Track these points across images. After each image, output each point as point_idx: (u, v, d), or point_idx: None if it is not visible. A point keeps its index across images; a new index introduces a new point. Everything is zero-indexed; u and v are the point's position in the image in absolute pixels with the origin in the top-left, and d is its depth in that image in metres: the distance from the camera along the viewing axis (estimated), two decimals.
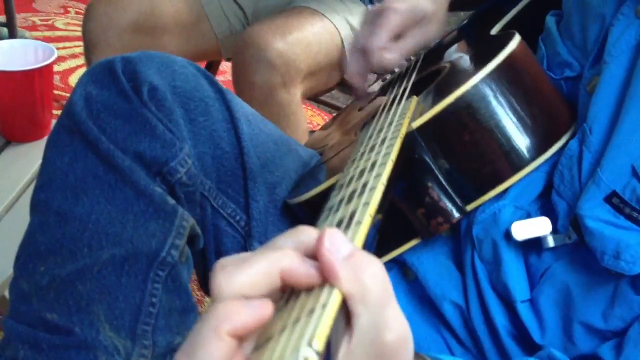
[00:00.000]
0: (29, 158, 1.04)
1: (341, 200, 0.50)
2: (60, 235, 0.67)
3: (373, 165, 0.56)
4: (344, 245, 0.37)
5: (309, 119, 2.14)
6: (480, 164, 0.67)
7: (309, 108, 2.21)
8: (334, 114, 1.27)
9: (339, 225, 0.45)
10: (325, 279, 0.36)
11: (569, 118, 0.69)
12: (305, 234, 0.38)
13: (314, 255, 0.37)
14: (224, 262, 0.37)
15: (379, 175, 0.52)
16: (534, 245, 0.66)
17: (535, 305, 0.66)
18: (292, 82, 1.30)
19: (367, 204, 0.47)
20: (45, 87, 1.04)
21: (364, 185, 0.50)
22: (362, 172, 0.55)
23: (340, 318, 0.37)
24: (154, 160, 0.69)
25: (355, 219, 0.45)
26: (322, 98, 1.81)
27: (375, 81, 0.91)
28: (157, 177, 0.70)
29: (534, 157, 0.67)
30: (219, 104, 0.77)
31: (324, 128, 1.08)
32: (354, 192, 0.50)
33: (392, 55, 0.80)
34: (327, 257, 0.36)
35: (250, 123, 0.79)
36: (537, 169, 0.67)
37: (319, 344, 0.33)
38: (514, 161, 0.67)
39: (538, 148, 0.67)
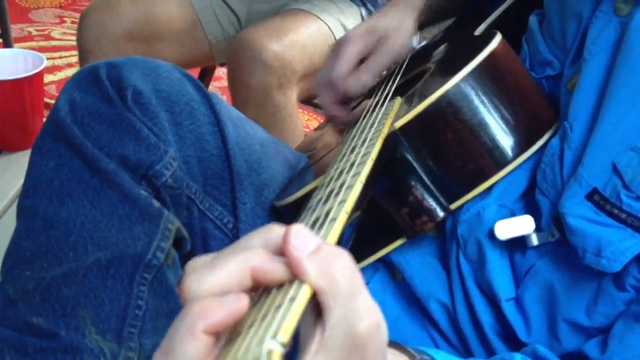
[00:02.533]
0: (19, 166, 1.05)
1: (319, 200, 0.50)
2: (45, 240, 0.67)
3: (352, 165, 0.56)
4: (310, 241, 0.37)
5: (306, 123, 2.14)
6: (464, 162, 0.67)
7: (306, 112, 2.22)
8: None
9: (314, 223, 0.45)
10: (294, 275, 0.36)
11: (551, 116, 0.70)
12: (274, 232, 0.38)
13: (283, 252, 0.37)
14: (194, 263, 0.38)
15: (357, 174, 0.52)
16: (519, 243, 0.66)
17: (520, 304, 0.65)
18: (288, 84, 1.31)
19: (343, 201, 0.47)
20: (36, 95, 1.04)
21: (342, 185, 0.51)
22: (341, 173, 0.55)
23: (311, 312, 0.37)
24: (138, 164, 0.69)
25: (330, 216, 0.45)
26: (317, 100, 1.82)
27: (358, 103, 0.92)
28: (143, 181, 0.70)
29: (516, 155, 0.67)
30: (205, 107, 0.77)
31: (317, 129, 1.08)
32: (331, 192, 0.50)
33: (359, 78, 0.81)
34: (293, 253, 0.36)
35: (236, 126, 0.80)
36: (520, 166, 0.67)
37: (285, 335, 0.33)
38: (497, 159, 0.67)
39: (520, 146, 0.67)
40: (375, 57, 0.83)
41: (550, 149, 0.66)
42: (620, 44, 0.61)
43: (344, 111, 0.85)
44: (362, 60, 0.84)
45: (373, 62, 0.83)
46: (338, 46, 0.84)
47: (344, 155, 0.61)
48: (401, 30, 0.84)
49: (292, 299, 0.35)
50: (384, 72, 0.91)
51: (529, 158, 0.67)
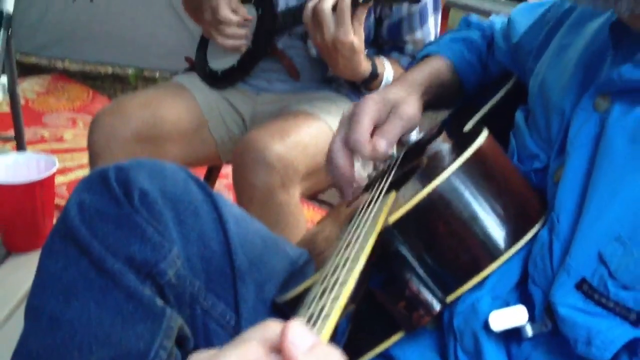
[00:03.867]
0: (29, 267, 1.06)
1: (314, 297, 0.52)
2: (51, 340, 0.69)
3: (346, 260, 0.58)
4: (305, 339, 0.38)
5: (310, 218, 2.17)
6: (457, 255, 0.69)
7: (311, 208, 2.25)
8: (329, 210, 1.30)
9: (309, 320, 0.47)
10: None
11: (540, 207, 0.72)
12: (271, 329, 0.40)
13: (279, 349, 0.39)
14: (195, 359, 0.39)
15: (350, 270, 0.54)
16: (514, 334, 0.66)
17: None
18: (291, 183, 1.34)
19: (336, 298, 0.49)
20: (47, 197, 1.08)
21: (335, 281, 0.53)
22: (335, 269, 0.57)
23: None
24: (143, 263, 0.72)
25: (324, 313, 0.46)
26: (322, 197, 1.86)
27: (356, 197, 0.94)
28: (147, 279, 0.72)
29: (508, 246, 0.69)
30: (208, 205, 0.80)
31: (319, 223, 1.11)
32: (326, 288, 0.52)
33: (378, 143, 0.83)
34: (289, 351, 0.38)
35: (238, 223, 0.82)
36: (513, 257, 0.69)
37: None
38: (490, 250, 0.69)
39: (512, 237, 0.69)
40: (390, 124, 0.85)
41: (540, 240, 0.68)
42: (600, 139, 0.64)
43: (354, 178, 0.86)
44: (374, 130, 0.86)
45: (389, 130, 0.85)
46: (353, 113, 0.86)
47: (339, 251, 0.63)
48: (410, 102, 0.88)
49: None
50: (385, 162, 0.94)
51: (521, 249, 0.69)
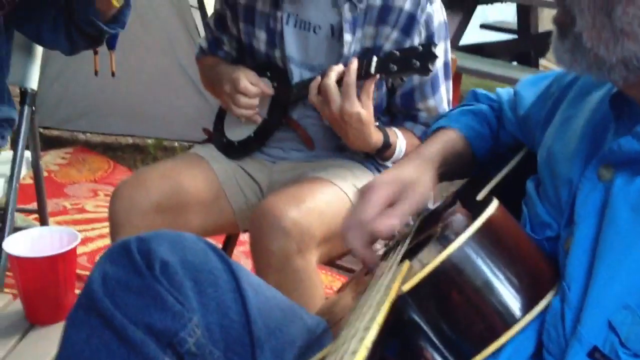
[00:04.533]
0: (51, 340, 1.08)
1: None
2: None
3: (357, 330, 0.59)
4: None
5: (329, 284, 2.17)
6: (471, 323, 0.70)
7: (329, 273, 2.25)
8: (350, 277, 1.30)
9: None
10: None
11: (553, 275, 0.73)
12: None
13: None
14: None
15: (362, 340, 0.55)
16: None
17: None
18: (307, 249, 1.35)
19: None
20: (69, 270, 1.10)
21: (346, 351, 0.54)
22: (349, 338, 0.58)
23: None
24: (164, 332, 0.74)
25: None
26: (340, 262, 1.86)
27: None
28: (168, 348, 0.74)
29: (522, 314, 0.70)
30: (227, 275, 0.82)
31: (339, 291, 1.12)
32: (340, 358, 0.53)
33: (388, 221, 0.86)
34: None
35: (256, 292, 0.84)
36: (527, 327, 0.69)
37: None
38: (504, 319, 0.70)
39: (525, 305, 0.70)
40: (402, 204, 0.88)
41: (552, 309, 0.68)
42: (605, 208, 0.66)
43: (371, 252, 0.88)
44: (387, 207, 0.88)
45: (399, 209, 0.87)
46: (366, 191, 0.88)
47: (352, 320, 0.65)
48: (423, 181, 0.91)
49: None
50: (404, 227, 0.96)
51: (535, 318, 0.70)
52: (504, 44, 4.41)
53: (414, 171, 0.90)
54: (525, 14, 4.20)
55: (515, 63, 4.17)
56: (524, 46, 4.31)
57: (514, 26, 4.50)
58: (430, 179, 0.91)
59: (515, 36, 4.45)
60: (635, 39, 0.64)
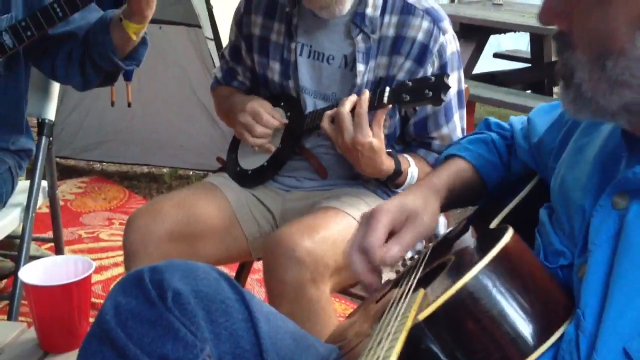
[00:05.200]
0: None
1: None
2: None
3: (380, 358, 0.59)
4: None
5: (342, 312, 2.16)
6: (488, 352, 0.69)
7: (342, 302, 2.24)
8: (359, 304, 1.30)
9: None
10: None
11: (568, 304, 0.72)
12: None
13: None
14: None
15: None
16: None
17: None
18: (321, 278, 1.35)
19: None
20: (83, 299, 1.11)
21: None
22: None
23: None
24: None
25: None
26: (354, 291, 1.85)
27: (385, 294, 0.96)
28: None
29: (538, 344, 0.69)
30: (239, 304, 0.82)
31: (349, 317, 1.11)
32: None
33: (391, 249, 0.86)
34: None
35: (269, 320, 0.84)
36: (543, 356, 0.68)
37: None
38: (520, 349, 0.69)
39: (541, 334, 0.69)
40: (406, 232, 0.88)
41: (567, 337, 0.68)
42: (620, 236, 0.65)
43: (375, 278, 0.88)
44: (391, 234, 0.88)
45: (403, 237, 0.88)
46: (369, 218, 0.89)
47: (370, 349, 0.64)
48: (428, 210, 0.91)
49: None
50: (408, 259, 0.95)
51: (550, 347, 0.69)
52: (518, 73, 4.42)
53: (418, 200, 0.91)
54: (538, 43, 4.21)
55: (529, 92, 4.18)
56: (538, 75, 4.32)
57: (527, 55, 4.52)
58: (436, 208, 0.92)
59: (528, 65, 4.46)
60: (630, 88, 0.65)
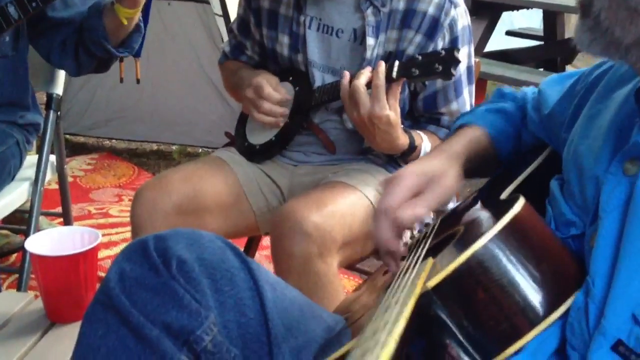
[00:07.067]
0: (72, 338, 1.08)
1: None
2: None
3: (386, 323, 0.58)
4: None
5: (349, 288, 2.16)
6: (497, 321, 0.68)
7: (350, 278, 2.24)
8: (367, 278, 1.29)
9: None
10: None
11: (579, 274, 0.71)
12: None
13: None
14: None
15: (390, 333, 0.54)
16: None
17: None
18: (328, 252, 1.35)
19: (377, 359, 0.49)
20: (90, 269, 1.11)
21: (376, 344, 0.53)
22: (375, 332, 0.57)
23: None
24: (181, 330, 0.73)
25: None
26: (361, 266, 1.85)
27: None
28: (184, 346, 0.73)
29: (548, 313, 0.68)
30: (244, 273, 0.81)
31: (355, 291, 1.11)
32: (366, 351, 0.52)
33: (413, 210, 0.84)
34: None
35: (274, 290, 0.83)
36: (552, 324, 0.68)
37: None
38: (530, 317, 0.68)
39: (551, 303, 0.68)
40: (427, 195, 0.86)
41: (575, 304, 0.67)
42: (630, 202, 0.64)
43: (397, 244, 0.85)
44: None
45: (425, 199, 0.86)
46: (391, 180, 0.87)
47: (379, 315, 0.63)
48: (450, 174, 0.89)
49: None
50: (417, 232, 0.94)
51: (560, 316, 0.68)
52: (530, 51, 4.37)
53: (440, 164, 0.89)
54: (551, 20, 4.16)
55: (541, 70, 4.13)
56: (550, 52, 4.27)
57: (540, 32, 4.46)
58: (456, 174, 0.90)
59: (541, 42, 4.41)
60: None
